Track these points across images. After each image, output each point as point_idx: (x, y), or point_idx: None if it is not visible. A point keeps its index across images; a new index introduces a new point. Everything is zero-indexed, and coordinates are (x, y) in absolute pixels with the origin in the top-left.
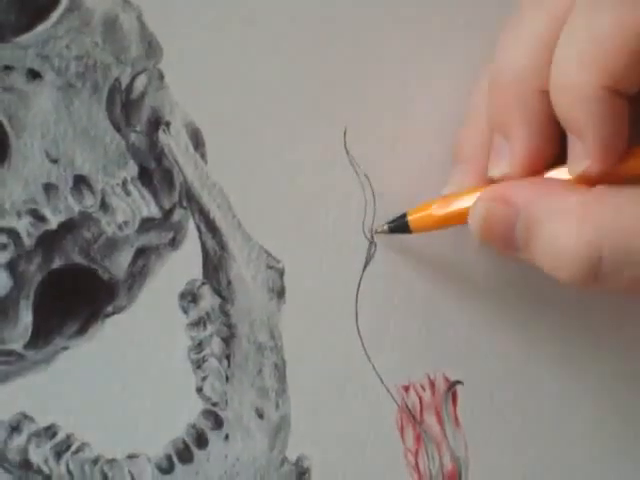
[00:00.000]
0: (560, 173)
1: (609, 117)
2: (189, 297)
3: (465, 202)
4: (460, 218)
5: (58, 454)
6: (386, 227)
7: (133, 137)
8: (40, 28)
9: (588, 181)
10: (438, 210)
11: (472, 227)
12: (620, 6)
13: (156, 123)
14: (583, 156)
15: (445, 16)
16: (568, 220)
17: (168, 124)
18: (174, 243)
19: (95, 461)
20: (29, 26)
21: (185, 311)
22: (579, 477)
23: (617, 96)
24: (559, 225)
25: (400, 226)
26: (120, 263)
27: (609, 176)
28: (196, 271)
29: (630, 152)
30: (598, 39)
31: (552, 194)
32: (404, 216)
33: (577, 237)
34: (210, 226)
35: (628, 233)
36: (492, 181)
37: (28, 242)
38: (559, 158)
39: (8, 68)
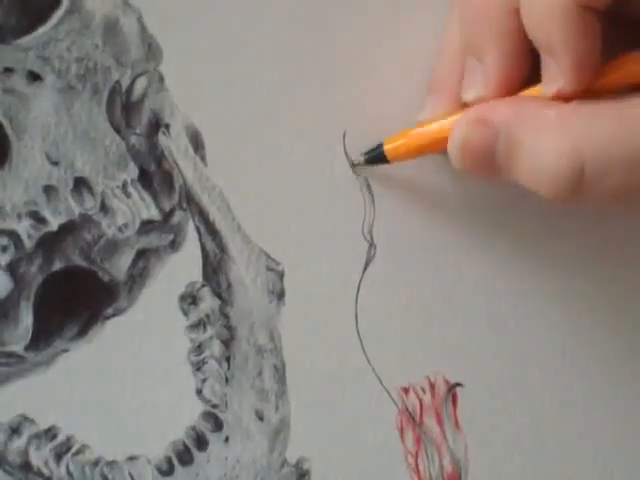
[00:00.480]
0: (535, 92)
1: (581, 34)
2: (189, 299)
3: (441, 127)
4: (437, 144)
5: (58, 456)
6: (362, 158)
7: (133, 139)
8: (41, 30)
9: (563, 99)
10: (414, 137)
11: (452, 152)
12: None
13: (156, 125)
14: (557, 75)
15: None
16: (547, 134)
17: (168, 126)
18: (174, 245)
19: (95, 463)
20: (30, 28)
21: (185, 313)
22: (580, 477)
23: (587, 12)
24: (539, 140)
25: (377, 156)
26: (120, 265)
27: (584, 93)
28: (196, 273)
29: (603, 68)
30: None
31: (530, 111)
32: (380, 146)
33: (557, 149)
34: (210, 228)
35: (606, 140)
36: (467, 106)
37: (28, 244)
38: (533, 77)
39: (9, 70)
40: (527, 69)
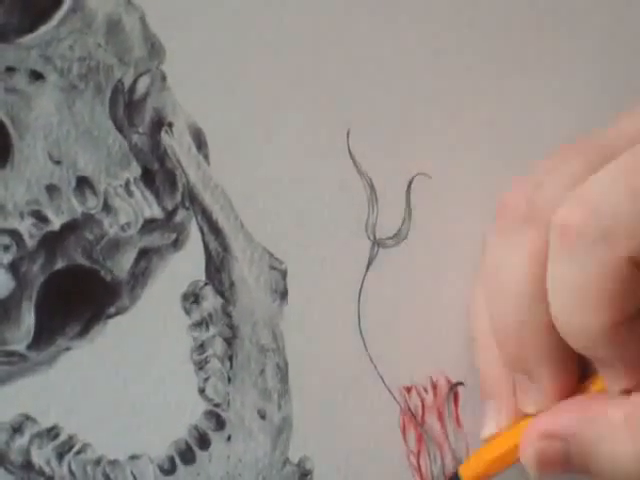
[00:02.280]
0: (595, 386)
1: (625, 344)
2: (191, 298)
3: (511, 441)
4: (510, 458)
5: (60, 455)
6: None
7: (136, 138)
8: (43, 29)
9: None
10: (487, 455)
11: (528, 468)
12: (594, 247)
13: (159, 124)
14: (616, 377)
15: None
16: (619, 440)
17: (171, 125)
18: (177, 244)
19: (97, 462)
20: (32, 27)
21: (187, 312)
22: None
23: (622, 323)
24: (613, 447)
25: None
26: (123, 264)
27: None
28: (199, 272)
29: None
30: (586, 283)
31: (595, 413)
32: (456, 474)
33: (634, 453)
34: (213, 227)
35: None
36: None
37: (31, 243)
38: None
39: (11, 69)
40: (579, 369)
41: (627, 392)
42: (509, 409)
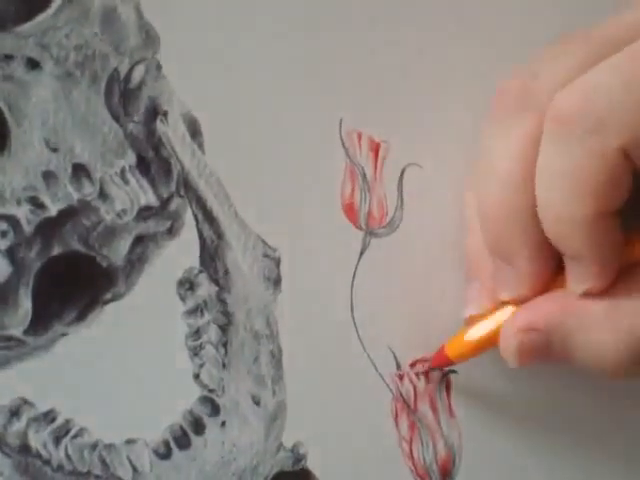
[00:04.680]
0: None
1: (601, 239)
2: (186, 285)
3: (492, 324)
4: (491, 342)
5: (57, 439)
6: (426, 366)
7: (131, 126)
8: (40, 18)
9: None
10: (470, 337)
11: (508, 359)
12: (586, 135)
13: (154, 113)
14: (583, 277)
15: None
16: (599, 330)
17: (166, 114)
18: (172, 231)
19: (94, 446)
20: (29, 16)
21: (182, 299)
22: (575, 465)
23: (604, 216)
24: (592, 336)
25: (441, 361)
26: (119, 251)
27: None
28: (193, 259)
29: (630, 243)
30: (575, 172)
31: (575, 310)
32: (441, 349)
33: (614, 344)
34: (207, 215)
35: None
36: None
37: (28, 229)
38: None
39: (8, 57)
40: (558, 259)
41: (589, 294)
42: (491, 292)
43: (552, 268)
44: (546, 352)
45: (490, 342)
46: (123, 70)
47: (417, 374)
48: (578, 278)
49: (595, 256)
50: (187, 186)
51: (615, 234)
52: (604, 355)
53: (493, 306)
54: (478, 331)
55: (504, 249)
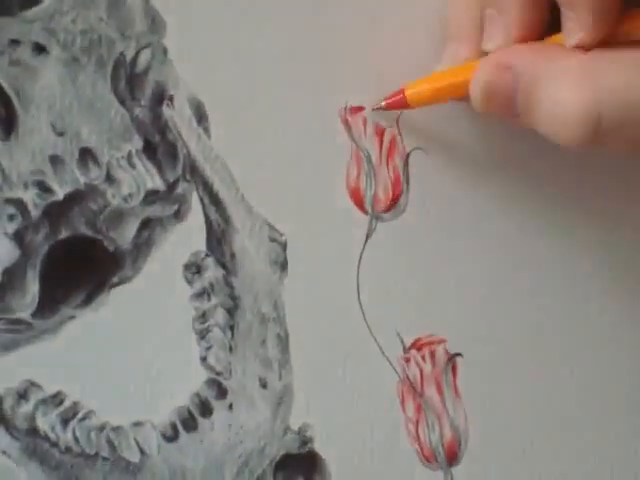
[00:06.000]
0: (557, 40)
1: None
2: (193, 268)
3: (462, 74)
4: (458, 89)
5: (65, 421)
6: (383, 103)
7: (137, 111)
8: (46, 2)
9: (584, 49)
10: (435, 83)
11: (473, 94)
12: None
13: (160, 97)
14: (577, 27)
15: None
16: (567, 79)
17: (172, 98)
18: (178, 215)
19: (101, 428)
20: (35, 0)
21: (189, 282)
22: (579, 446)
23: None
24: (559, 85)
25: (397, 101)
26: (125, 234)
27: (605, 42)
28: (200, 243)
29: (624, 16)
30: None
31: (551, 57)
32: (401, 91)
33: (576, 95)
34: (213, 199)
35: (626, 88)
36: (486, 54)
37: (35, 213)
38: (553, 26)
39: (15, 42)
40: (547, 17)
41: (582, 47)
42: (470, 48)
43: (542, 22)
44: (511, 99)
45: (452, 90)
46: (129, 55)
47: (375, 109)
48: (572, 28)
49: (593, 6)
50: (193, 170)
51: None
52: (564, 113)
53: (470, 60)
54: (442, 77)
55: None
